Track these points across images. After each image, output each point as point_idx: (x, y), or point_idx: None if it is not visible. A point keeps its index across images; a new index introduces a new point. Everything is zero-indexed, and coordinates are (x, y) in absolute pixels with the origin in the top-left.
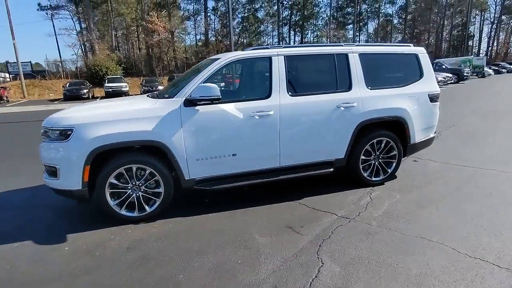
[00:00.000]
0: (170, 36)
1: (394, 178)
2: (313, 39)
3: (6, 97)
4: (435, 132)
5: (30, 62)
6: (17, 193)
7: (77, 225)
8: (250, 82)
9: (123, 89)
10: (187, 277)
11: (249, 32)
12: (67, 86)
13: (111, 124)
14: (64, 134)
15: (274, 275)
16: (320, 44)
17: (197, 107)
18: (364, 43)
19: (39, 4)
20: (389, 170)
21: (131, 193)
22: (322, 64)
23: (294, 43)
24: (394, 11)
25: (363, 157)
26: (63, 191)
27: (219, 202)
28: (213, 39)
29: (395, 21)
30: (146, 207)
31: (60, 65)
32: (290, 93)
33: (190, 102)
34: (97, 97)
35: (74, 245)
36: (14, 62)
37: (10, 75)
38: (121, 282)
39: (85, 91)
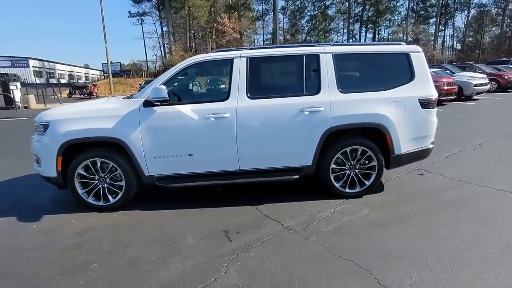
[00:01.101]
0: (238, 36)
1: (380, 191)
2: (388, 36)
3: (96, 93)
4: (432, 143)
5: (119, 62)
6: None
7: (57, 208)
8: (212, 85)
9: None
10: (99, 266)
11: (317, 31)
12: (143, 83)
13: (79, 122)
14: (44, 128)
15: (174, 276)
16: (291, 45)
17: (155, 108)
18: (345, 43)
19: (129, 12)
20: (367, 183)
21: (98, 184)
22: (289, 66)
23: (364, 41)
24: (491, 0)
25: (334, 166)
26: (45, 178)
27: (186, 200)
28: (281, 38)
29: (493, 11)
30: (110, 198)
31: (144, 65)
32: (249, 96)
33: (149, 103)
34: None
35: (41, 225)
36: (114, 63)
37: (104, 74)
38: (46, 262)
39: None
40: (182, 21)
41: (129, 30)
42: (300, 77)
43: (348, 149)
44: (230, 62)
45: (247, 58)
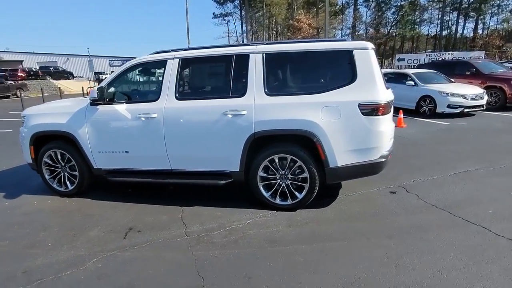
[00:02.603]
0: (315, 33)
1: (324, 206)
2: (496, 26)
3: None
4: (383, 156)
5: None
6: None
7: (35, 190)
8: (150, 85)
9: None
10: (10, 242)
11: (403, 23)
12: None
13: (44, 117)
14: (23, 121)
15: (44, 263)
16: (226, 45)
17: (98, 106)
18: (283, 41)
19: (213, 13)
20: (299, 196)
21: (60, 171)
22: (220, 66)
23: (462, 32)
24: None
25: (263, 174)
26: (28, 163)
27: (135, 194)
28: (361, 32)
29: None
30: (69, 185)
31: None
32: (178, 97)
33: (93, 102)
34: None
35: (10, 203)
36: None
37: None
38: None
39: None
40: (261, 19)
41: (209, 31)
42: (228, 79)
43: (276, 158)
44: (164, 63)
45: (179, 59)
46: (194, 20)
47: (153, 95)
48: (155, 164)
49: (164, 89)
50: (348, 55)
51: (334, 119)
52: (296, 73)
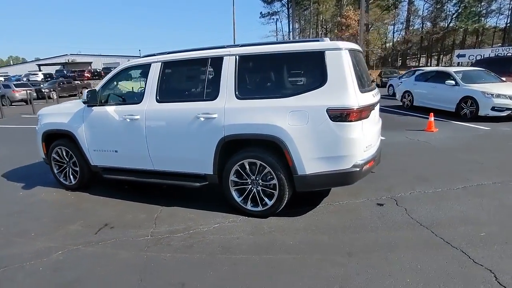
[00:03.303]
0: (364, 29)
1: (298, 215)
2: None
3: None
4: (356, 166)
5: None
6: None
7: (52, 183)
8: (137, 88)
9: None
10: (4, 230)
11: (465, 15)
12: None
13: (52, 117)
14: (38, 120)
15: (19, 253)
16: (206, 48)
17: (92, 108)
18: (260, 42)
19: (261, 13)
20: (269, 203)
21: (66, 167)
22: (197, 69)
23: None
24: None
25: (235, 179)
26: (42, 158)
27: (130, 191)
28: (416, 26)
29: None
30: (72, 179)
31: None
32: (158, 100)
33: (88, 103)
34: None
35: (24, 193)
36: None
37: None
38: None
39: None
40: (309, 17)
41: (255, 31)
42: (203, 82)
43: (246, 163)
44: (149, 66)
45: (161, 62)
46: (240, 22)
47: (138, 98)
48: (140, 163)
49: (147, 92)
50: (319, 56)
51: (301, 125)
52: (268, 76)
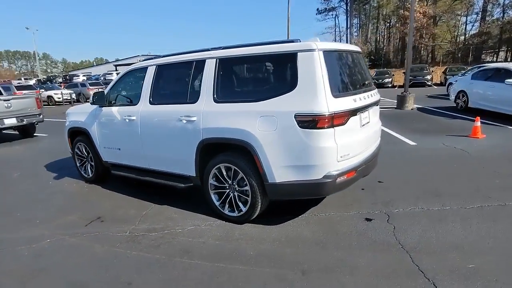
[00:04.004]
0: (431, 22)
1: (275, 224)
2: None
3: None
4: (327, 177)
5: None
6: None
7: (76, 175)
8: (136, 90)
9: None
10: (21, 214)
11: None
12: None
13: (75, 115)
14: (66, 118)
15: (16, 238)
16: (194, 50)
17: (102, 108)
18: (243, 44)
19: (317, 9)
20: (243, 209)
21: (85, 161)
22: (184, 72)
23: None
24: None
25: (214, 182)
26: (70, 153)
27: (139, 186)
28: (496, 16)
29: None
30: (90, 173)
31: None
32: (151, 102)
33: (97, 104)
34: None
35: (54, 183)
36: None
37: None
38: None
39: None
40: (368, 11)
41: (310, 29)
42: (187, 84)
43: (222, 167)
44: (146, 69)
45: (156, 65)
46: (295, 20)
47: (136, 99)
48: (138, 161)
49: (142, 94)
50: (291, 58)
51: (270, 130)
52: (244, 79)
